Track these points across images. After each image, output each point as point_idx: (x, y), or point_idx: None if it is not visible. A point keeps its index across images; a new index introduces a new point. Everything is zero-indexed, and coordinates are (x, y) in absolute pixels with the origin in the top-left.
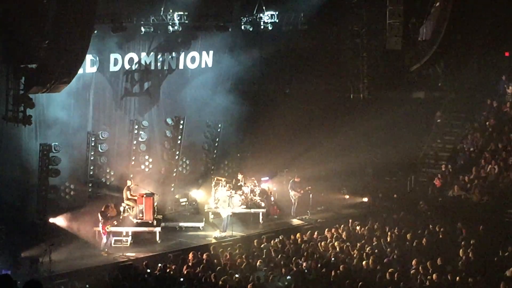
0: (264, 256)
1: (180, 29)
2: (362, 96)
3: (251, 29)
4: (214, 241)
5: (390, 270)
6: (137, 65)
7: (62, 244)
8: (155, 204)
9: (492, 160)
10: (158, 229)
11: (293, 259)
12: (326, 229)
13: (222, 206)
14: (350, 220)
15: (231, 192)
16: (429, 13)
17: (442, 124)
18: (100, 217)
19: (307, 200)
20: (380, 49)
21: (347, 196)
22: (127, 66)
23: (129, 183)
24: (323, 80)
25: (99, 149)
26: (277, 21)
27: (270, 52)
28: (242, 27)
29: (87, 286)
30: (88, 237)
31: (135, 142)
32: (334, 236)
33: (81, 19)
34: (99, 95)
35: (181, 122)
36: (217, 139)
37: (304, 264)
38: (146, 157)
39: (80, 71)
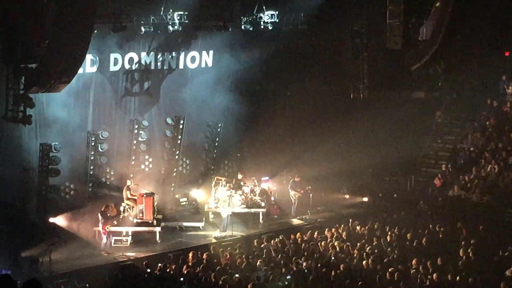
0: (264, 256)
1: (180, 28)
2: (362, 96)
3: (251, 29)
4: (214, 241)
5: (390, 270)
6: (137, 64)
7: (62, 244)
8: (155, 204)
9: (492, 160)
10: (158, 229)
11: (293, 259)
12: (326, 229)
13: (222, 205)
14: (350, 220)
15: (231, 191)
16: (429, 13)
17: (442, 124)
18: (100, 217)
19: (307, 200)
20: (380, 49)
21: (347, 196)
22: (127, 66)
23: (129, 182)
24: (323, 80)
25: (99, 149)
26: (277, 21)
27: (270, 52)
28: (242, 27)
29: (87, 286)
30: (88, 237)
31: (135, 141)
32: (334, 236)
33: (81, 19)
34: (99, 94)
35: (181, 122)
36: (217, 139)
37: (304, 264)
38: (146, 156)
39: (80, 70)
